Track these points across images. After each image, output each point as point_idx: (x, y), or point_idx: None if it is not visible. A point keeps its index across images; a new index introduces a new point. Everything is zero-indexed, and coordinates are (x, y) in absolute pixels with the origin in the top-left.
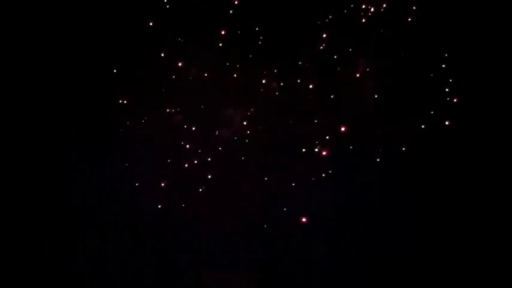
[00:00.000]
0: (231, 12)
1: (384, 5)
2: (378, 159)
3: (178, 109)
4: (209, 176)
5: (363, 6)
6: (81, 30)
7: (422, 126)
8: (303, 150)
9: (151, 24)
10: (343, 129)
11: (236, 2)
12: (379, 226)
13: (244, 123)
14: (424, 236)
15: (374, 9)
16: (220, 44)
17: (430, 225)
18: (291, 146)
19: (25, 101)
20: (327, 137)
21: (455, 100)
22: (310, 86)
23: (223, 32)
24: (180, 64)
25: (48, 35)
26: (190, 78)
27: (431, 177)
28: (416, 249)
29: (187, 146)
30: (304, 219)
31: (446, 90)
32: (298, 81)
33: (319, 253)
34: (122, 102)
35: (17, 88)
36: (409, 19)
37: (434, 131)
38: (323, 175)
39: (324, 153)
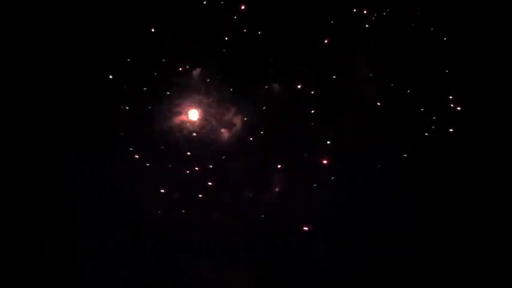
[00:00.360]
0: (235, 17)
1: (387, 10)
2: (379, 165)
3: (180, 111)
4: (210, 177)
5: (365, 12)
6: (82, 31)
7: (426, 134)
8: (304, 152)
9: (153, 26)
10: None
11: (243, 7)
12: (379, 226)
13: (246, 125)
14: (424, 237)
15: (377, 14)
16: (223, 49)
17: (430, 227)
18: (292, 148)
19: (26, 101)
20: (328, 141)
21: (458, 108)
22: (312, 92)
23: (226, 38)
24: (181, 68)
25: (48, 35)
26: (191, 81)
27: (432, 182)
28: (417, 249)
29: (188, 148)
30: (305, 228)
31: (450, 97)
32: (299, 86)
33: (320, 253)
34: (123, 105)
35: (18, 88)
36: (413, 25)
37: (437, 137)
38: (324, 177)
39: (325, 157)
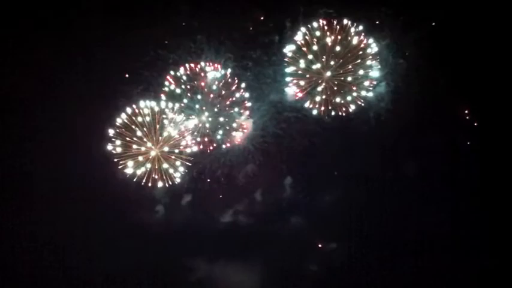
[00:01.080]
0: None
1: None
2: (392, 175)
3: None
4: (213, 178)
5: (378, 20)
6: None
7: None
8: (315, 159)
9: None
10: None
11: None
12: (382, 230)
13: (253, 130)
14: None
15: (394, 22)
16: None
17: (441, 236)
18: (303, 154)
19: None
20: (340, 148)
21: (475, 124)
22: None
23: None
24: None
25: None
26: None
27: (449, 193)
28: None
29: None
30: (320, 245)
31: (466, 111)
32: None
33: (320, 254)
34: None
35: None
36: (431, 45)
37: (452, 151)
38: (335, 184)
39: (337, 166)
